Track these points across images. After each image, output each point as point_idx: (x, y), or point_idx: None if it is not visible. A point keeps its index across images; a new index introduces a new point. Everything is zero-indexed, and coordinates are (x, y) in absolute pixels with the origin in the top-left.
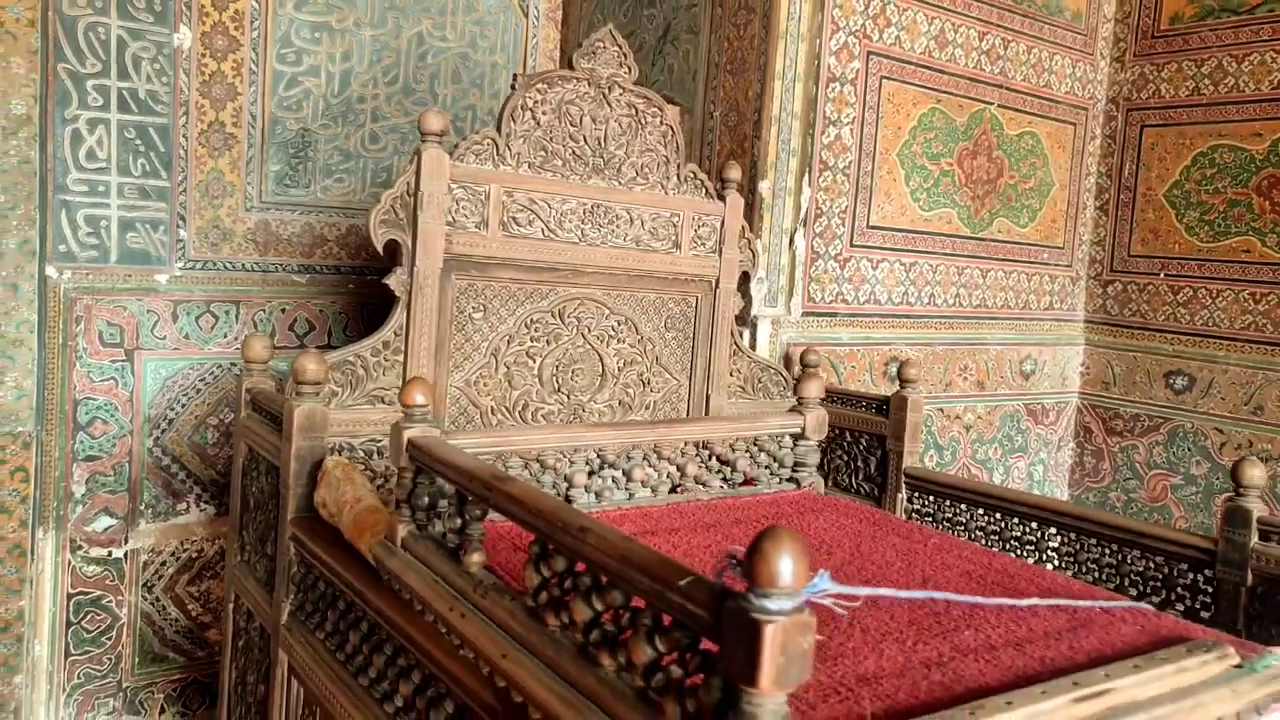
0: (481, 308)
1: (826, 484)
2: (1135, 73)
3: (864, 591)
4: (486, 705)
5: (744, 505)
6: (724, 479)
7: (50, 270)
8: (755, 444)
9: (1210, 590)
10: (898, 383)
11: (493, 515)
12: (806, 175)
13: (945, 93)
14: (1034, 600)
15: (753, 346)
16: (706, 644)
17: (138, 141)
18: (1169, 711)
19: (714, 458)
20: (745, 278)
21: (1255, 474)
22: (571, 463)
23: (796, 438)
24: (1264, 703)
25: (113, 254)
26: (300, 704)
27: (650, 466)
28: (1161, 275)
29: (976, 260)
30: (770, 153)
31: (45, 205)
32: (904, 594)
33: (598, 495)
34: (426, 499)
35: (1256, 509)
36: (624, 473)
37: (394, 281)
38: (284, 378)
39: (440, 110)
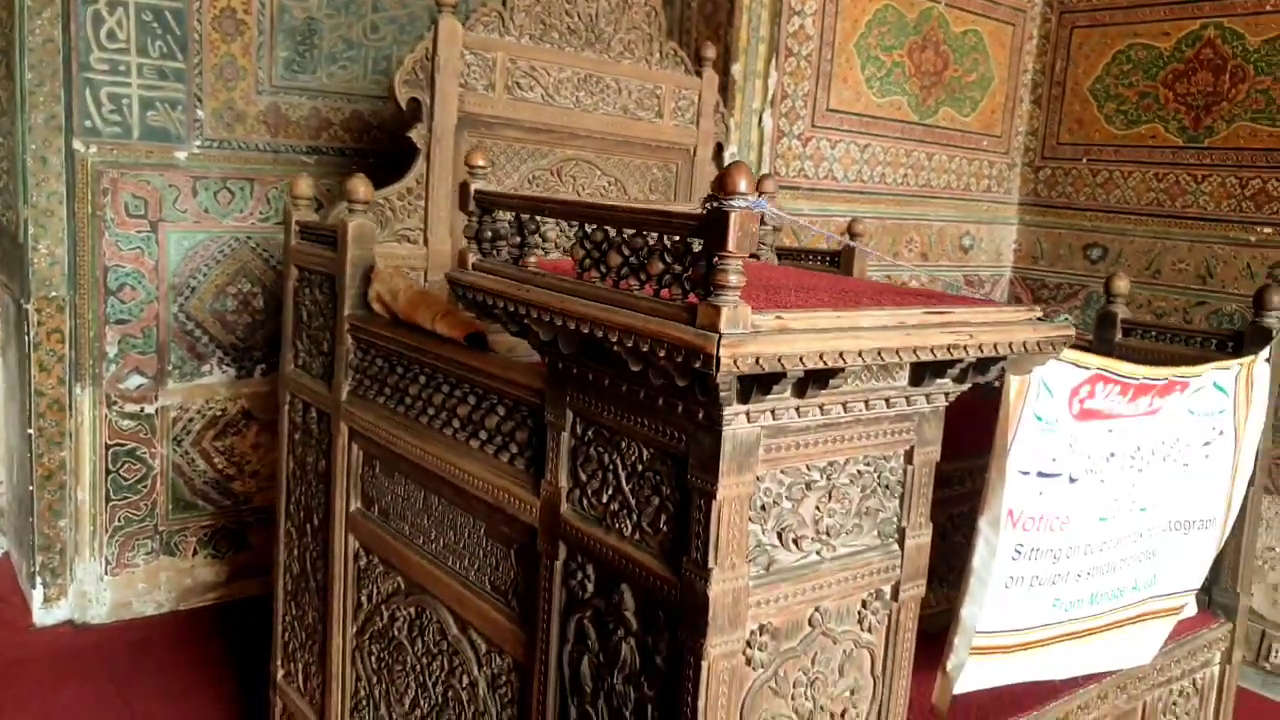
0: (490, 163)
1: None
2: None
3: (796, 220)
4: (535, 390)
5: None
6: None
7: (77, 144)
8: None
9: None
10: (849, 236)
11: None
12: (774, 60)
13: None
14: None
15: None
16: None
17: (154, 25)
18: (989, 329)
19: None
20: (719, 149)
21: (1122, 285)
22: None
23: None
24: (1057, 341)
25: (135, 131)
26: (360, 462)
27: None
28: (1084, 160)
29: (923, 145)
30: (741, 39)
31: (70, 83)
32: (823, 230)
33: None
34: (489, 233)
35: (1121, 312)
36: None
37: (415, 135)
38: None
39: None
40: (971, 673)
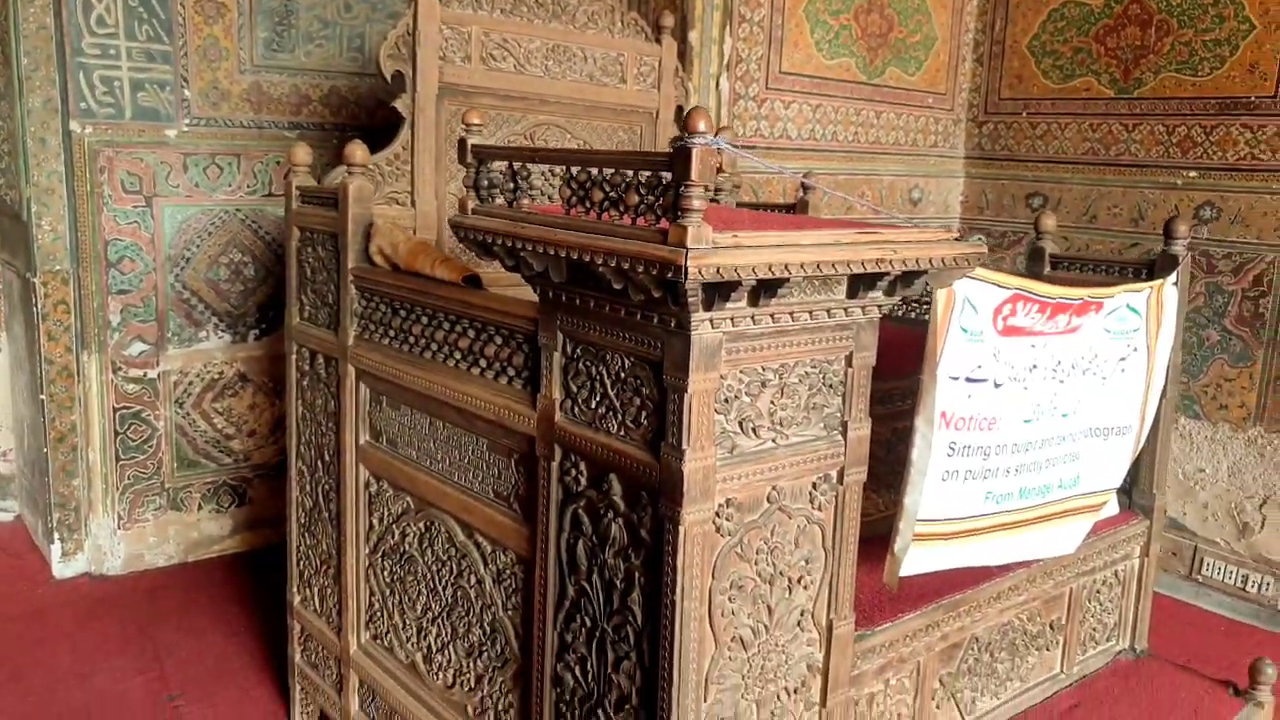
0: (467, 129)
1: None
2: None
3: (761, 162)
4: (528, 319)
5: None
6: None
7: (74, 125)
8: None
9: None
10: (802, 190)
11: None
12: (728, 27)
13: None
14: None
15: None
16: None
17: (140, 9)
18: (911, 246)
19: None
20: (680, 112)
21: (1049, 223)
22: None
23: None
24: (971, 257)
25: (127, 111)
26: (368, 399)
27: None
28: (1024, 114)
29: (872, 103)
30: (697, 7)
31: (64, 67)
32: (783, 169)
33: None
34: (486, 182)
35: (1049, 247)
36: None
37: (400, 104)
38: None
39: None
40: (915, 557)
